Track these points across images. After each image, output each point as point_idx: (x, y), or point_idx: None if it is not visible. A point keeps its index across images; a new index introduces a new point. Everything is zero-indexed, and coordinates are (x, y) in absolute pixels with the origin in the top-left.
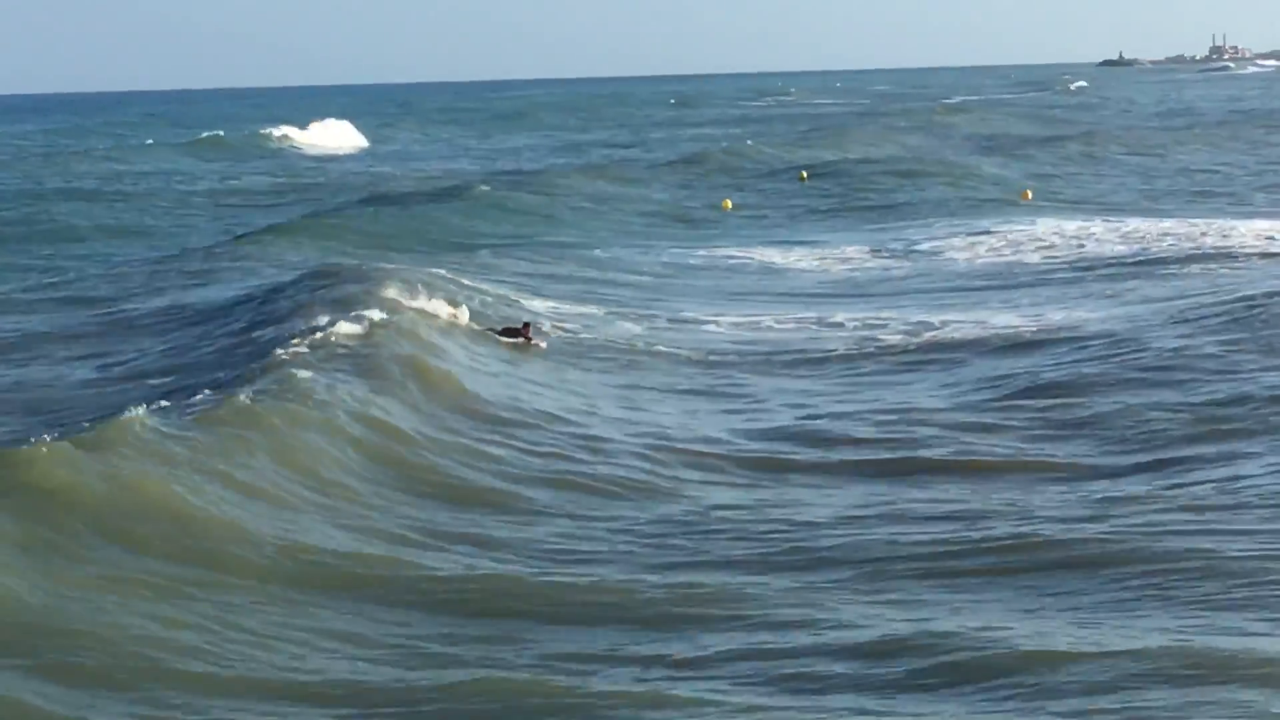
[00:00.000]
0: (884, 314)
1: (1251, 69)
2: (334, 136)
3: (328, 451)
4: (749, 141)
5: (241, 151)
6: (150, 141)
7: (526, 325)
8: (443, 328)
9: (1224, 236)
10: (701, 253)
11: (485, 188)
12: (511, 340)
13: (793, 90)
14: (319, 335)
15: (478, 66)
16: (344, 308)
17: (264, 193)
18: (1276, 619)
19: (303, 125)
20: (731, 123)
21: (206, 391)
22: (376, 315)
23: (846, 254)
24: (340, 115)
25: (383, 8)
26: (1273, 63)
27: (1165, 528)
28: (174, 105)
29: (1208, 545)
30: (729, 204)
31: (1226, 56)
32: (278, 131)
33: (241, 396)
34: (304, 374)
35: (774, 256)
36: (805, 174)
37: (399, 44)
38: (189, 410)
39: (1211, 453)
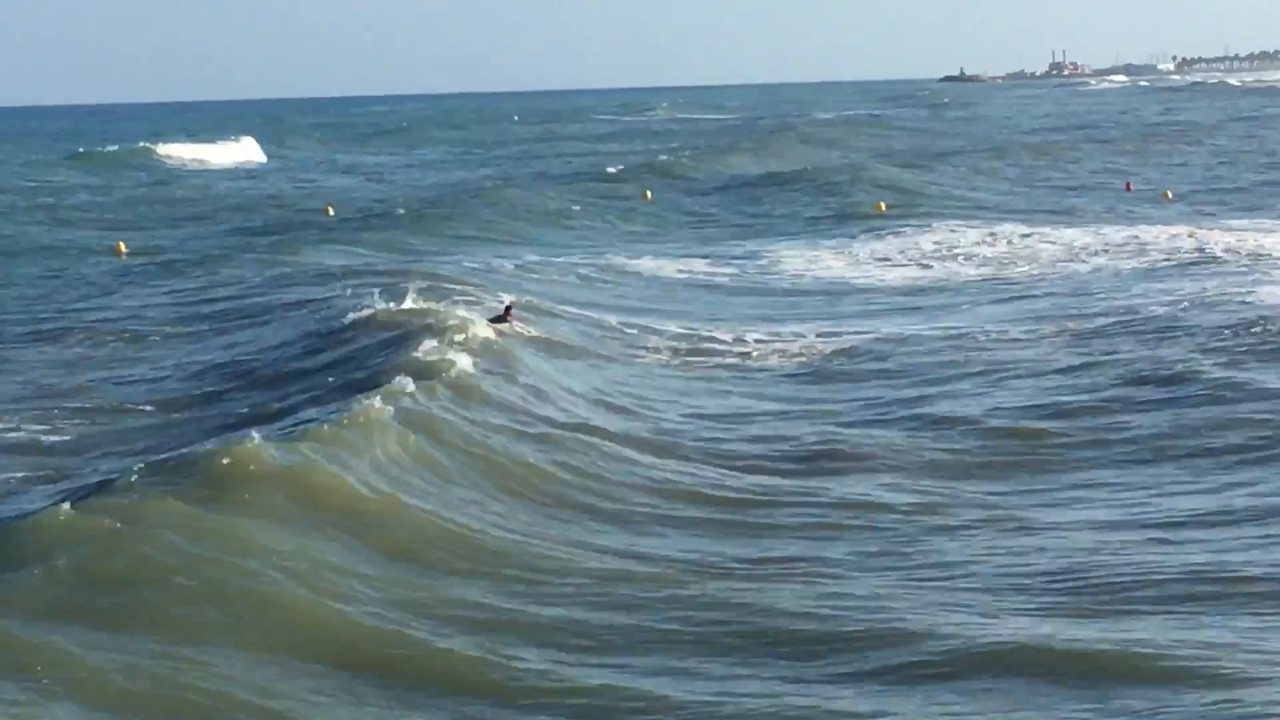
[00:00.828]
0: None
1: (1104, 84)
2: (232, 153)
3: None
4: (663, 157)
5: (118, 166)
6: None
7: (509, 309)
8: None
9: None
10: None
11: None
12: (497, 325)
13: (664, 104)
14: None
15: (324, 83)
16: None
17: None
18: None
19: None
20: (622, 137)
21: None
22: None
23: (692, 266)
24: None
25: (229, 23)
26: (1121, 78)
27: None
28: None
29: None
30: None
31: (1067, 72)
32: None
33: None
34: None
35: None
36: (649, 193)
37: (242, 60)
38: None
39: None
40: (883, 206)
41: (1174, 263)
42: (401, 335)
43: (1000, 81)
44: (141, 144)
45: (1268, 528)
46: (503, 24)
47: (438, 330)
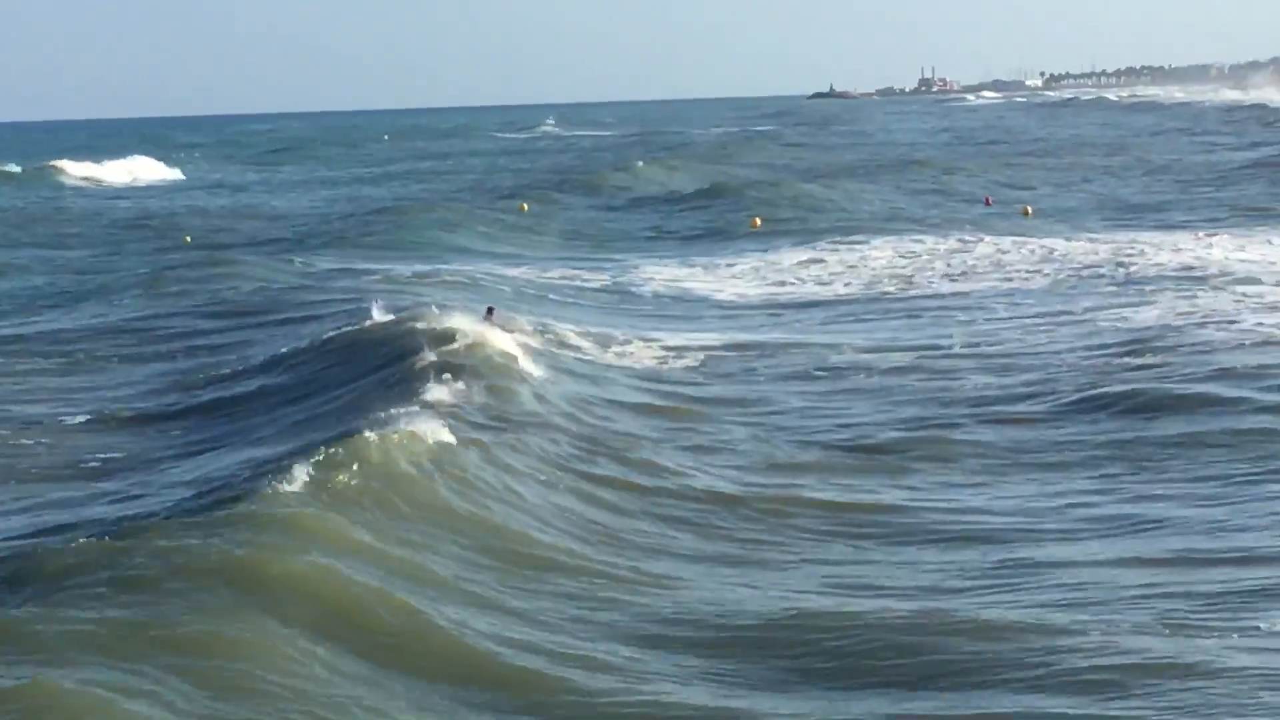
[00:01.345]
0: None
1: (981, 100)
2: (133, 171)
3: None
4: (577, 175)
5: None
6: None
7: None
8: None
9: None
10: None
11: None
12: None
13: (550, 120)
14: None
15: (192, 101)
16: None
17: None
18: None
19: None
20: (529, 154)
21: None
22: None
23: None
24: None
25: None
26: (993, 94)
27: None
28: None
29: None
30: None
31: (936, 89)
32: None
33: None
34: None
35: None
36: (525, 205)
37: (111, 77)
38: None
39: None
40: (758, 222)
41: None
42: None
43: (875, 97)
44: (48, 163)
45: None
46: (365, 42)
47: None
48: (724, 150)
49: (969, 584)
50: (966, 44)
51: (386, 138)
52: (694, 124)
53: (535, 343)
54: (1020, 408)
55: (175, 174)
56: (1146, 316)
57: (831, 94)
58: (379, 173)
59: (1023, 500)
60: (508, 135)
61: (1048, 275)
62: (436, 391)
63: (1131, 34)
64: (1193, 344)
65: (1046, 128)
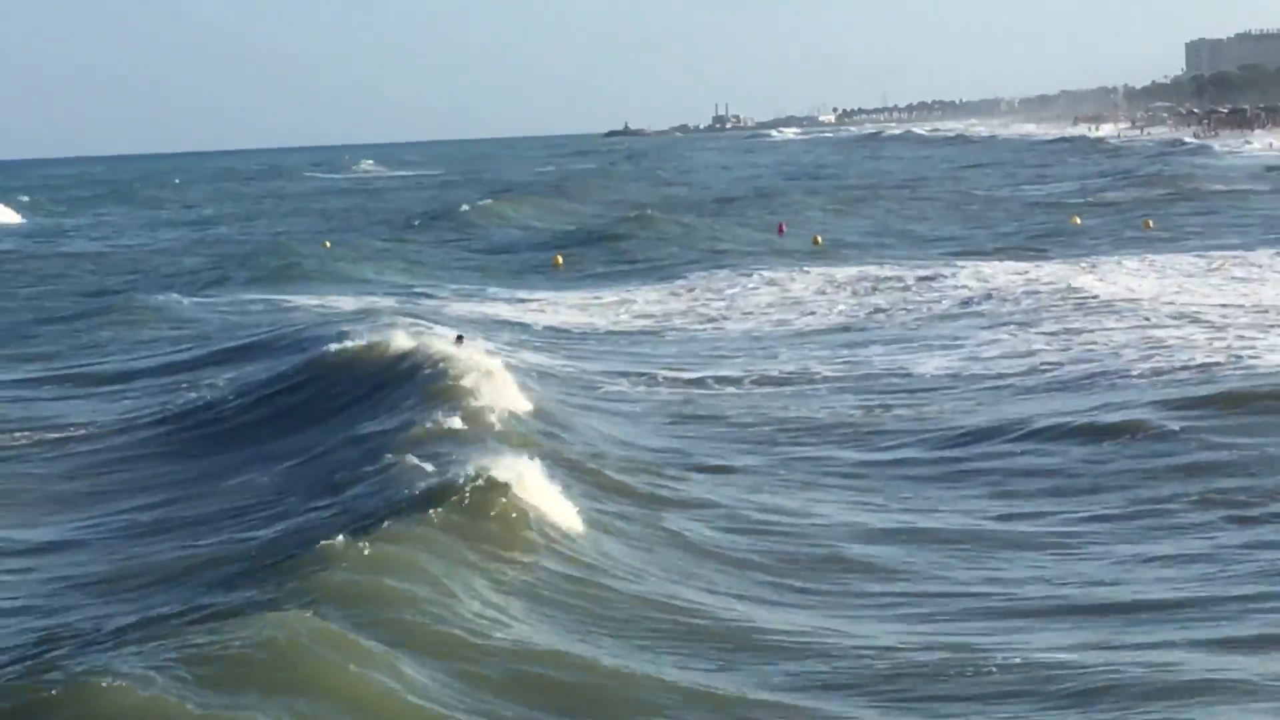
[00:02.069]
0: None
1: (788, 134)
2: None
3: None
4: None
5: None
6: None
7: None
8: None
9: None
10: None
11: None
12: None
13: (367, 161)
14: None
15: None
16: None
17: None
18: None
19: None
20: (356, 194)
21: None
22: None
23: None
24: None
25: None
26: (795, 130)
27: None
28: None
29: None
30: None
31: (730, 125)
32: None
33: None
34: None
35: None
36: (329, 243)
37: None
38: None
39: None
40: (559, 259)
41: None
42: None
43: (678, 135)
44: None
45: None
46: (142, 86)
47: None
48: (562, 188)
49: None
50: (758, 81)
51: (178, 180)
52: (509, 163)
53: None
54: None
55: (15, 218)
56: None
57: (626, 132)
58: (221, 213)
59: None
60: (328, 175)
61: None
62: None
63: (921, 69)
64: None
65: (870, 162)
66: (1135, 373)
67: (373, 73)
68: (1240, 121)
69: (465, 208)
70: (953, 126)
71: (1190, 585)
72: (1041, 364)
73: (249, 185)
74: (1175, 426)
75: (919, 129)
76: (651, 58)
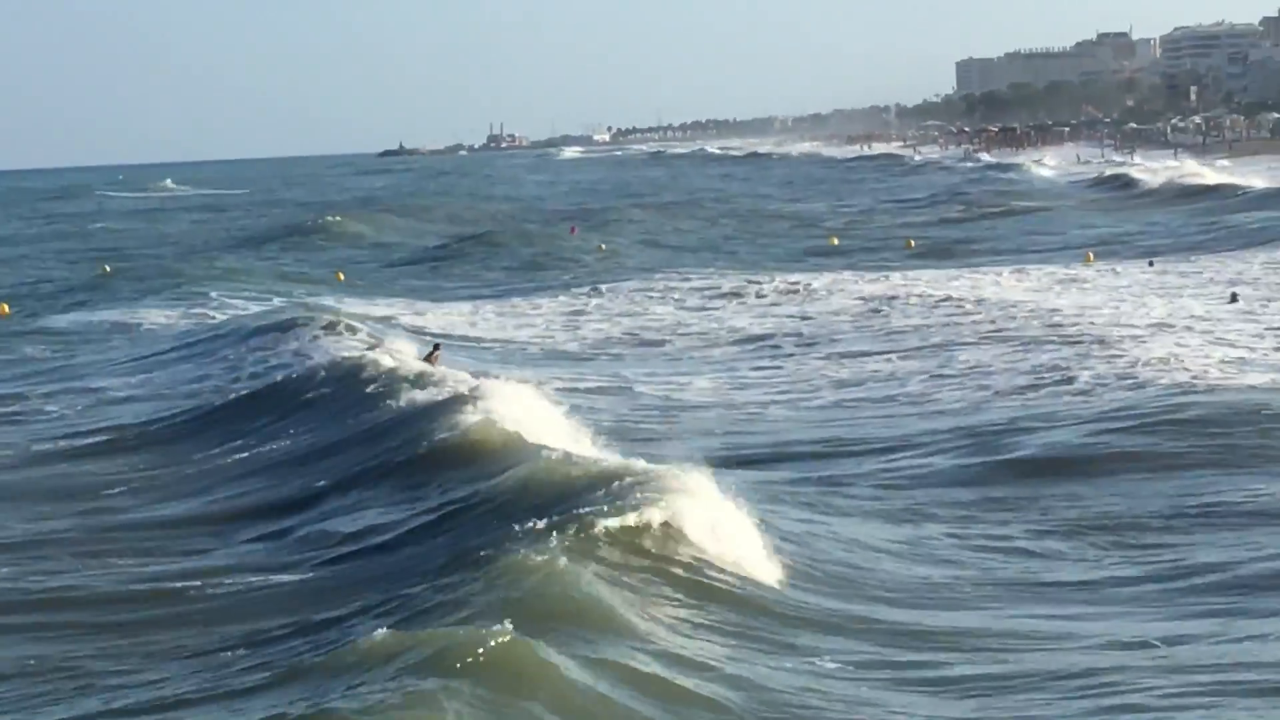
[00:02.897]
0: None
1: (573, 153)
2: None
3: None
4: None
5: None
6: None
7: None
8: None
9: None
10: None
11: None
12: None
13: (167, 180)
14: None
15: None
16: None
17: None
18: None
19: None
20: (162, 216)
21: None
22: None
23: None
24: None
25: None
26: (575, 149)
27: None
28: None
29: None
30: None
31: (505, 145)
32: None
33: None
34: None
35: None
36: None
37: None
38: None
39: None
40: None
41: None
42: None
43: (467, 153)
44: None
45: None
46: None
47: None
48: (405, 206)
49: None
50: (532, 100)
51: None
52: (310, 182)
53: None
54: None
55: None
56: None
57: (402, 151)
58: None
59: None
60: (131, 194)
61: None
62: None
63: (695, 88)
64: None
65: (699, 179)
66: None
67: (132, 93)
68: (1011, 140)
69: (321, 221)
70: (739, 144)
71: None
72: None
73: (53, 205)
74: None
75: (710, 147)
76: (424, 77)
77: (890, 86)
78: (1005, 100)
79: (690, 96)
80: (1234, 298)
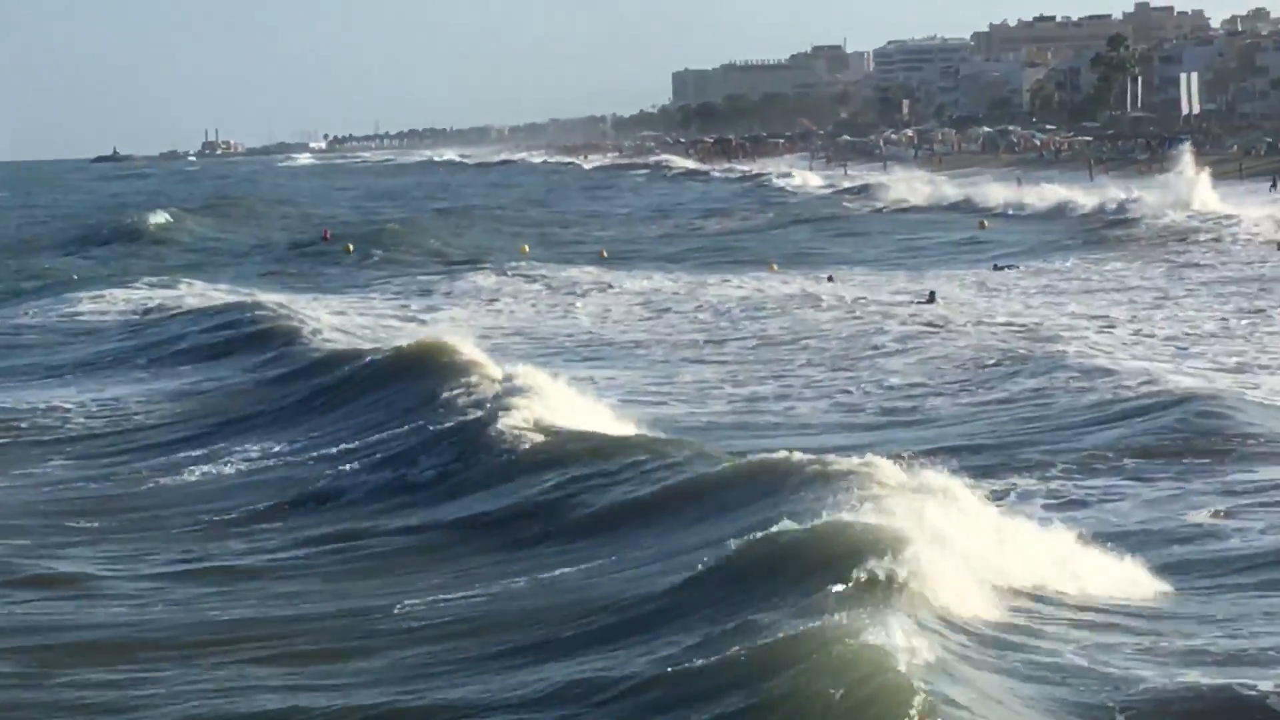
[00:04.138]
0: None
1: (303, 161)
2: None
3: None
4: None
5: None
6: None
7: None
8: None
9: None
10: None
11: None
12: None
13: None
14: None
15: None
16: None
17: None
18: None
19: None
20: None
21: None
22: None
23: None
24: None
25: None
26: (311, 157)
27: None
28: None
29: None
30: None
31: (220, 151)
32: None
33: None
34: None
35: None
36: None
37: None
38: None
39: None
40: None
41: None
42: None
43: (196, 158)
44: None
45: None
46: None
47: None
48: (218, 207)
49: None
50: (246, 107)
51: None
52: (65, 187)
53: None
54: None
55: None
56: None
57: (116, 158)
58: None
59: None
60: None
61: None
62: None
63: (410, 97)
64: None
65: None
66: None
67: None
68: (726, 151)
69: (152, 224)
70: (473, 153)
71: None
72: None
73: None
74: None
75: (449, 154)
76: (137, 82)
77: (607, 96)
78: (721, 112)
79: (406, 105)
80: (931, 297)
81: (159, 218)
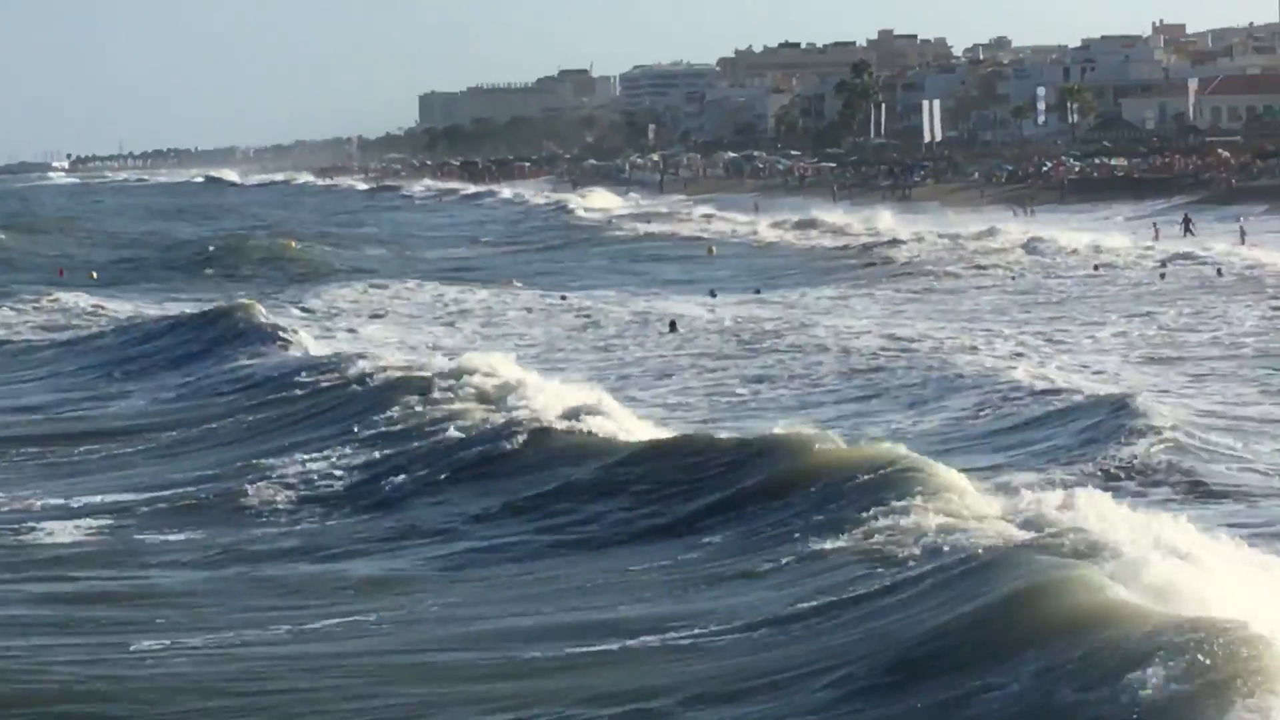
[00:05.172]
0: None
1: (61, 180)
2: None
3: None
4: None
5: None
6: None
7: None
8: None
9: None
10: None
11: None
12: None
13: None
14: None
15: None
16: None
17: None
18: None
19: None
20: None
21: None
22: None
23: None
24: None
25: None
26: (62, 175)
27: None
28: None
29: None
30: None
31: None
32: None
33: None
34: None
35: None
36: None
37: None
38: None
39: None
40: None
41: None
42: None
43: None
44: None
45: None
46: None
47: None
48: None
49: None
50: None
51: None
52: None
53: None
54: None
55: None
56: None
57: None
58: None
59: None
60: None
61: None
62: None
63: (155, 119)
64: None
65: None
66: None
67: None
68: (473, 174)
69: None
70: (233, 173)
71: None
72: None
73: None
74: None
75: (229, 174)
76: None
77: (352, 118)
78: (468, 134)
79: (150, 125)
80: (672, 326)
81: None
